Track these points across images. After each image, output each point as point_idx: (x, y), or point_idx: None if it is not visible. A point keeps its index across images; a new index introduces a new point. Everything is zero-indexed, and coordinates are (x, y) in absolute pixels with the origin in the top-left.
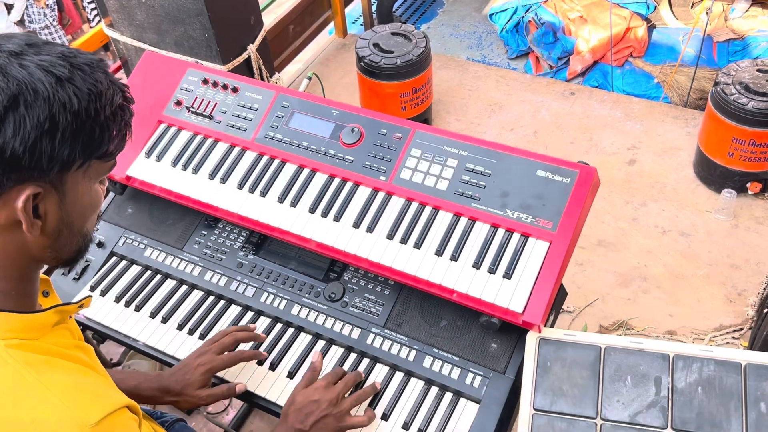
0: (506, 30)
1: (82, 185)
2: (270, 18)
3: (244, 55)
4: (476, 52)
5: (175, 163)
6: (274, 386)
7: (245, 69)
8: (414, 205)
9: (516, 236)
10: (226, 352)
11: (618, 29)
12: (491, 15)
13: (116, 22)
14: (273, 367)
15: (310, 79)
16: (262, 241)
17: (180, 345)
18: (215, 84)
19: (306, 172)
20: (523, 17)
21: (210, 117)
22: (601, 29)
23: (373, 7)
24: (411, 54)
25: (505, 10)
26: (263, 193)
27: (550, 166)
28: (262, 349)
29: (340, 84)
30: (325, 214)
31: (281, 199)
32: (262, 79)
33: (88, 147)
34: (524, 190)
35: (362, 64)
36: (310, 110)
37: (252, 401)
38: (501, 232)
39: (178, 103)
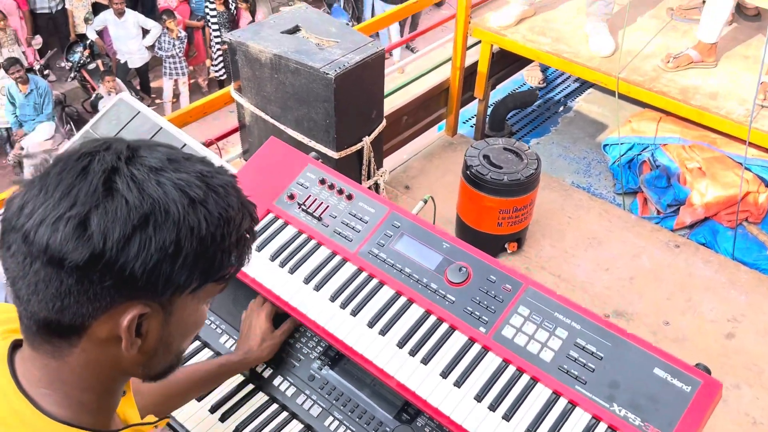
0: (618, 164)
1: (190, 306)
2: (387, 106)
3: (358, 146)
4: (583, 178)
5: (273, 258)
6: None
7: (355, 157)
8: (511, 369)
9: None
10: None
11: (738, 190)
12: (605, 145)
13: (245, 88)
14: None
15: (425, 202)
16: (340, 357)
17: None
18: (332, 186)
19: (402, 300)
20: (638, 155)
21: (319, 219)
22: (720, 187)
23: (488, 111)
24: (520, 174)
25: (622, 144)
26: (354, 313)
27: (671, 367)
28: None
29: (439, 182)
30: (413, 353)
31: (371, 324)
32: (369, 170)
33: (207, 272)
34: (637, 386)
35: (468, 172)
36: (419, 236)
37: None
38: (602, 427)
39: (291, 196)
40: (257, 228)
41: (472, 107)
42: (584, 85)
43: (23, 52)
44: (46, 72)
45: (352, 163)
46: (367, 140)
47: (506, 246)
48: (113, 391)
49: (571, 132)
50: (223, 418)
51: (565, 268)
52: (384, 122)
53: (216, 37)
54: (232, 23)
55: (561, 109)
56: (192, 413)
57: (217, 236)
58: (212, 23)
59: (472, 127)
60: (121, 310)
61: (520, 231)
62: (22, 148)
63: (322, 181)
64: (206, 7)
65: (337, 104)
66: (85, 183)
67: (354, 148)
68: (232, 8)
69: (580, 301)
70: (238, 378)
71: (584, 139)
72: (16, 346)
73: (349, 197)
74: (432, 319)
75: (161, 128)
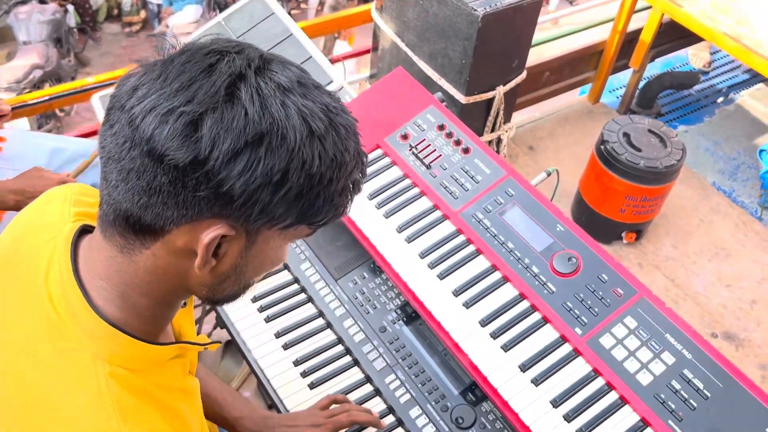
0: None
1: (274, 241)
2: (530, 58)
3: (490, 94)
4: (726, 181)
5: (372, 197)
6: None
7: (484, 106)
8: (599, 382)
9: None
10: None
11: None
12: (762, 151)
13: (386, 8)
14: None
15: (549, 174)
16: (416, 317)
17: (287, 382)
18: (450, 135)
19: (497, 276)
20: None
21: (428, 167)
22: None
23: (640, 84)
24: (660, 162)
25: None
26: (441, 277)
27: None
28: None
29: (567, 150)
30: (495, 336)
31: (457, 293)
32: (495, 123)
33: (305, 213)
34: None
35: (602, 147)
36: (532, 211)
37: None
38: None
39: (405, 136)
40: None
41: (623, 76)
42: (755, 78)
43: None
44: None
45: (479, 111)
46: (500, 90)
47: (623, 235)
48: (171, 304)
49: (726, 127)
50: (286, 347)
51: (681, 273)
52: (524, 74)
53: None
54: None
55: (721, 99)
56: (257, 332)
57: (326, 178)
58: None
59: (617, 98)
60: (206, 225)
61: (643, 223)
62: (167, 26)
63: (441, 127)
64: None
65: (478, 45)
66: (208, 81)
67: (485, 96)
68: None
69: (689, 314)
70: (310, 309)
71: (739, 138)
72: (83, 231)
73: (466, 150)
74: (524, 304)
75: (291, 35)
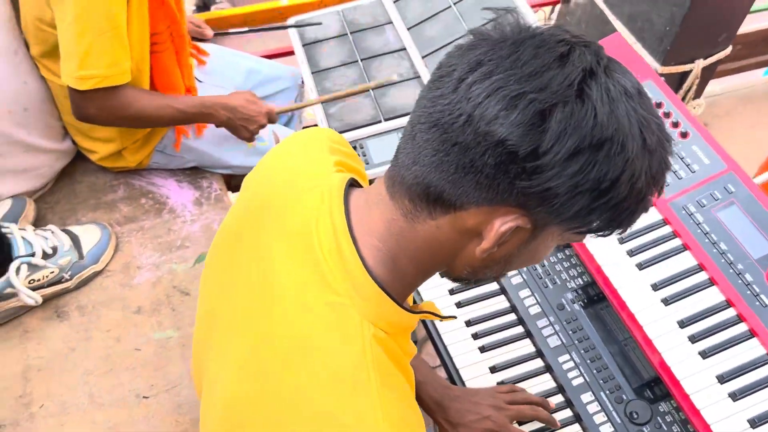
0: None
1: (551, 240)
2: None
3: (687, 67)
4: None
5: None
6: None
7: (677, 79)
8: None
9: None
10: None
11: None
12: None
13: None
14: None
15: None
16: (598, 301)
17: (458, 341)
18: (667, 115)
19: (702, 276)
20: None
21: None
22: None
23: None
24: None
25: None
26: (641, 267)
27: None
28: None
29: (744, 132)
30: (693, 340)
31: (656, 287)
32: (684, 97)
33: (606, 224)
34: None
35: None
36: (754, 213)
37: None
38: None
39: None
40: None
41: None
42: None
43: None
44: None
45: (671, 83)
46: (700, 63)
47: None
48: (429, 275)
49: None
50: (459, 305)
51: None
52: (729, 49)
53: None
54: None
55: None
56: (429, 287)
57: (642, 193)
58: None
59: None
60: (503, 211)
61: None
62: None
63: (659, 105)
64: None
65: (690, 13)
66: (562, 72)
67: (681, 68)
68: None
69: None
70: None
71: None
72: (351, 185)
73: (684, 135)
74: (730, 312)
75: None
